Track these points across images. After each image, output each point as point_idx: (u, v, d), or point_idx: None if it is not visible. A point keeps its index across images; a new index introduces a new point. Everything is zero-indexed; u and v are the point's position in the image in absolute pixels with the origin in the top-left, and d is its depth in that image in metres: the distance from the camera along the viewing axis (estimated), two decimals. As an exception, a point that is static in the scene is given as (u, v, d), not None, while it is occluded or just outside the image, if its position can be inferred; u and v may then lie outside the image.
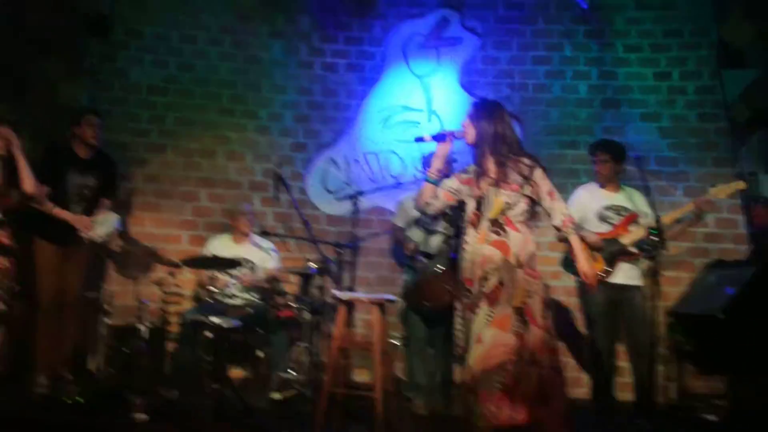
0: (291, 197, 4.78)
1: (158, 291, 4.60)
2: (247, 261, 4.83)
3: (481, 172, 3.19)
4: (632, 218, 4.27)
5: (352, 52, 5.68)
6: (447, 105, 5.57)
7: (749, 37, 5.13)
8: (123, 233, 5.01)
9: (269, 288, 4.64)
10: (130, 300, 4.79)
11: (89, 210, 4.47)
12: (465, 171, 3.28)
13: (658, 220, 3.84)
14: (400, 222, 4.68)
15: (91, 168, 4.47)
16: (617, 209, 4.31)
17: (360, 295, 4.72)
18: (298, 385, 4.26)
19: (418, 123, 5.57)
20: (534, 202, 3.21)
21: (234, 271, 4.62)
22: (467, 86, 5.58)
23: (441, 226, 4.46)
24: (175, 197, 5.39)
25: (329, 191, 5.46)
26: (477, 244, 3.14)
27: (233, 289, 4.67)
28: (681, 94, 5.41)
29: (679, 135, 5.35)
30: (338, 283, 4.82)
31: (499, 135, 3.16)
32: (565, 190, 5.09)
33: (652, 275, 3.79)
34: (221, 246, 4.85)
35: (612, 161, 4.29)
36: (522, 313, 3.02)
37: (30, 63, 5.14)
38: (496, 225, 3.13)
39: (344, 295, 4.37)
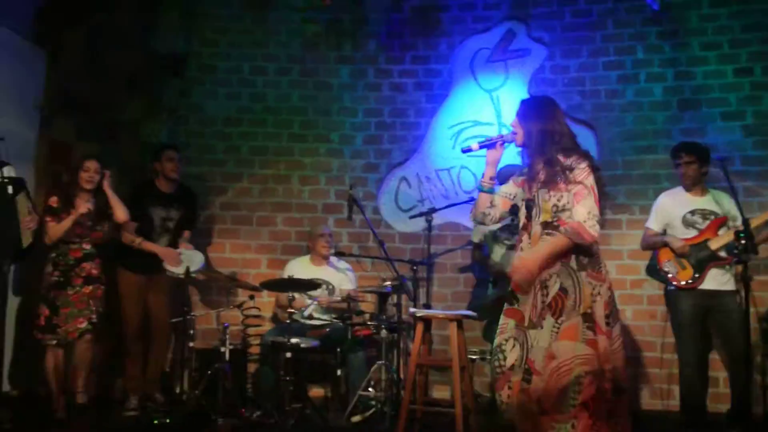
0: (365, 217, 4.82)
1: (239, 314, 4.72)
2: (326, 282, 4.90)
3: (531, 174, 2.98)
4: (720, 222, 4.09)
5: (419, 71, 5.72)
6: (517, 117, 5.49)
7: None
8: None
9: (347, 308, 4.68)
10: (212, 323, 4.96)
11: (173, 241, 4.67)
12: (521, 173, 3.09)
13: (746, 223, 3.64)
14: (475, 238, 4.64)
15: (174, 201, 4.69)
16: (703, 213, 4.13)
17: (437, 311, 4.70)
18: (377, 403, 4.25)
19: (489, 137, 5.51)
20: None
21: (313, 293, 4.69)
22: (537, 97, 5.50)
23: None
24: (253, 223, 5.54)
25: (402, 209, 5.48)
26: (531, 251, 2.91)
27: (312, 310, 4.74)
28: (766, 90, 5.14)
29: (765, 132, 5.07)
30: (415, 301, 4.82)
31: (548, 133, 2.91)
32: (645, 195, 4.99)
33: (744, 280, 3.58)
34: (300, 268, 4.94)
35: (697, 163, 4.13)
36: (591, 320, 2.77)
37: (116, 103, 5.46)
38: (550, 228, 2.87)
39: (421, 312, 4.35)
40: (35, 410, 4.19)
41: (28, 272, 4.42)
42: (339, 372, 4.53)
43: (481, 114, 5.56)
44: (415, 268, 4.85)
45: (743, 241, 3.56)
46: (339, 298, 4.80)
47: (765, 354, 4.40)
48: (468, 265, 5.33)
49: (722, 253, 4.05)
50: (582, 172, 2.83)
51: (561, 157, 2.87)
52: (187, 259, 4.52)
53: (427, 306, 4.87)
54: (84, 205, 4.16)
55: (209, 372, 4.19)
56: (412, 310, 4.49)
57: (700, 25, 5.33)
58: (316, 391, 4.93)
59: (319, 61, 5.75)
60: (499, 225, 4.41)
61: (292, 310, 4.24)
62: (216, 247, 5.48)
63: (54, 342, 3.99)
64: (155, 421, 4.03)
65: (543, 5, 5.59)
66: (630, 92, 5.38)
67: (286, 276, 4.78)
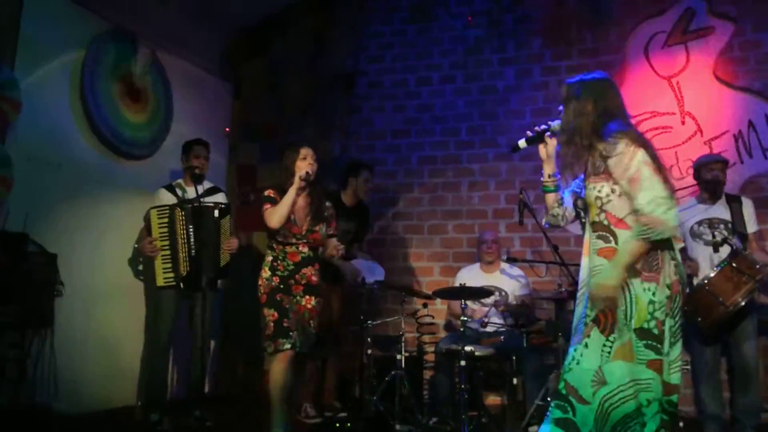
0: (536, 221, 4.66)
1: (414, 322, 4.78)
2: (498, 289, 4.81)
3: (564, 163, 2.58)
4: None
5: (588, 64, 5.41)
6: (702, 103, 5.03)
7: None
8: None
9: (521, 315, 4.55)
10: (389, 331, 5.06)
11: (350, 253, 4.83)
12: None
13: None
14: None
15: (354, 215, 4.88)
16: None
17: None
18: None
19: (671, 128, 5.10)
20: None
21: (486, 300, 4.63)
22: (725, 78, 4.99)
23: (721, 235, 4.02)
24: (424, 231, 5.60)
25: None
26: (584, 257, 2.54)
27: (488, 318, 4.66)
28: None
29: None
30: (593, 306, 4.56)
31: (588, 114, 2.50)
32: None
33: None
34: (471, 276, 4.89)
35: None
36: (649, 336, 2.33)
37: (293, 126, 5.84)
38: (601, 228, 2.47)
39: (598, 317, 4.11)
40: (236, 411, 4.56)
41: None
42: (515, 380, 4.41)
43: (659, 103, 5.15)
44: (592, 271, 4.60)
45: None
46: (514, 304, 4.68)
47: None
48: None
49: None
50: (623, 157, 2.37)
51: (599, 142, 2.46)
52: (367, 271, 4.67)
53: (607, 311, 4.58)
54: (302, 196, 3.77)
55: (386, 379, 4.28)
56: (589, 315, 4.26)
57: None
58: (493, 400, 4.84)
59: (482, 66, 5.70)
60: (699, 218, 4.04)
61: (466, 318, 4.21)
62: (390, 256, 5.61)
63: (288, 346, 3.54)
64: (337, 425, 4.20)
65: (726, -24, 5.08)
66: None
67: (457, 284, 4.76)
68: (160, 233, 4.24)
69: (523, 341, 4.40)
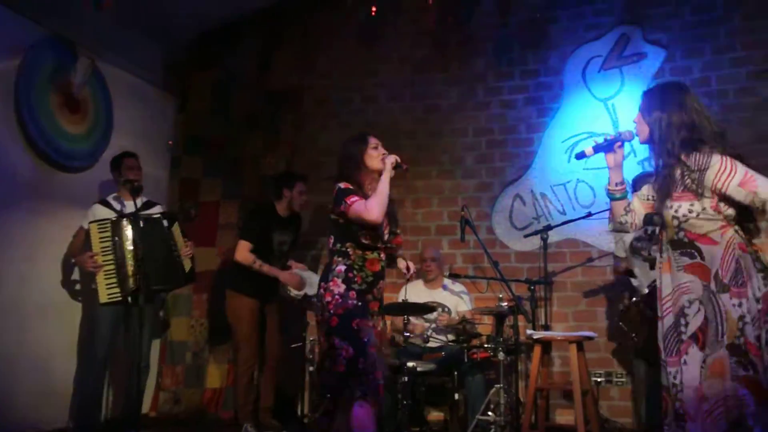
0: (477, 238, 4.74)
1: (356, 338, 4.77)
2: (441, 305, 4.85)
3: (658, 179, 2.58)
4: None
5: (529, 85, 5.59)
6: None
7: None
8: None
9: (463, 330, 4.60)
10: (332, 348, 5.03)
11: (284, 265, 4.79)
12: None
13: None
14: (620, 253, 4.41)
15: (289, 225, 4.84)
16: None
17: (555, 333, 4.53)
18: (496, 427, 4.12)
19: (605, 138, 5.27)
20: (727, 201, 2.45)
21: (429, 316, 4.66)
22: (657, 102, 5.20)
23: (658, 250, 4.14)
24: (369, 248, 5.60)
25: (517, 228, 5.32)
26: (664, 275, 2.55)
27: (429, 334, 4.69)
28: None
29: None
30: (533, 322, 4.66)
31: (675, 126, 2.50)
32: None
33: None
34: (415, 291, 4.92)
35: None
36: (740, 352, 2.34)
37: (238, 141, 5.81)
38: (681, 246, 2.50)
39: (538, 334, 4.21)
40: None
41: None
42: (457, 395, 4.44)
43: (596, 125, 5.32)
44: (532, 287, 4.71)
45: None
46: (456, 320, 4.74)
47: None
48: (591, 281, 5.08)
49: None
50: (725, 168, 2.40)
51: (685, 156, 2.47)
52: (308, 282, 4.65)
53: (547, 327, 4.69)
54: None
55: (328, 395, 4.25)
56: (529, 332, 4.36)
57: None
58: (435, 415, 4.87)
59: (427, 85, 5.78)
60: (633, 235, 4.18)
61: (408, 334, 4.23)
62: (334, 272, 5.59)
63: (358, 393, 2.84)
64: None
65: (659, 5, 5.30)
66: (763, 89, 4.94)
67: (401, 300, 4.79)
68: (102, 248, 4.12)
69: (465, 356, 4.46)
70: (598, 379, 4.41)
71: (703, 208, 2.48)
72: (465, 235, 4.63)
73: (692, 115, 2.52)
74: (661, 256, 2.60)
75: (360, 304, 2.91)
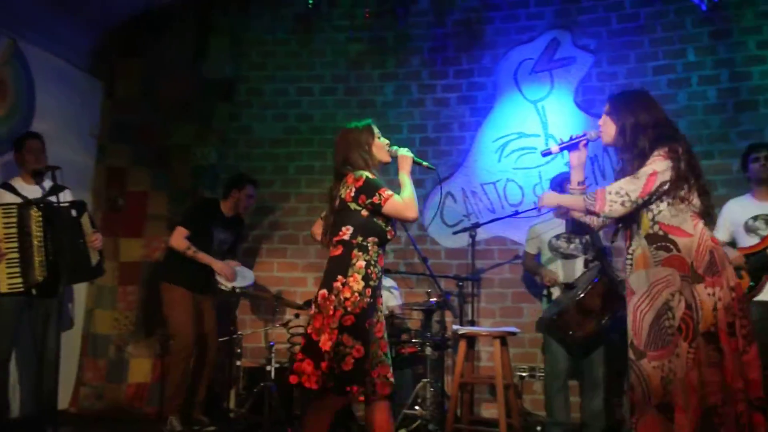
0: (408, 234, 4.79)
1: (286, 332, 4.76)
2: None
3: (624, 174, 2.68)
4: None
5: (462, 84, 5.68)
6: (564, 127, 5.38)
7: None
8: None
9: (392, 325, 4.64)
10: (261, 342, 5.01)
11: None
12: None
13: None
14: (531, 249, 4.55)
15: (231, 225, 4.79)
16: (766, 219, 3.93)
17: (479, 329, 4.63)
18: (423, 421, 4.19)
19: (535, 148, 5.42)
20: (677, 187, 2.59)
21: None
22: (584, 105, 5.38)
23: (577, 248, 4.29)
24: (300, 242, 5.59)
25: (448, 225, 5.40)
26: (638, 271, 2.63)
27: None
28: (827, 88, 4.87)
29: (828, 133, 4.79)
30: (461, 317, 4.75)
31: (640, 126, 2.66)
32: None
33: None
34: (345, 286, 4.93)
35: (764, 160, 3.95)
36: (715, 339, 2.44)
37: (168, 129, 5.66)
38: (657, 239, 2.60)
39: (463, 329, 4.30)
40: None
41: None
42: (384, 390, 4.48)
43: (526, 125, 5.46)
44: (460, 284, 4.81)
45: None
46: (385, 314, 4.77)
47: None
48: (518, 278, 5.22)
49: None
50: (652, 160, 2.60)
51: (651, 153, 2.63)
52: (240, 275, 4.60)
53: (473, 323, 4.79)
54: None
55: (255, 390, 4.23)
56: (455, 327, 4.45)
57: (755, 22, 5.10)
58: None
59: (363, 80, 5.79)
60: (556, 232, 4.34)
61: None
62: (264, 266, 5.55)
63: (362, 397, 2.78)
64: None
65: (588, 12, 5.47)
66: (682, 96, 5.17)
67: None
68: (6, 235, 3.87)
69: (393, 351, 4.50)
70: (522, 374, 4.54)
71: (674, 198, 2.60)
72: (396, 231, 4.66)
73: (657, 116, 2.71)
74: (629, 253, 2.69)
75: (372, 301, 2.83)
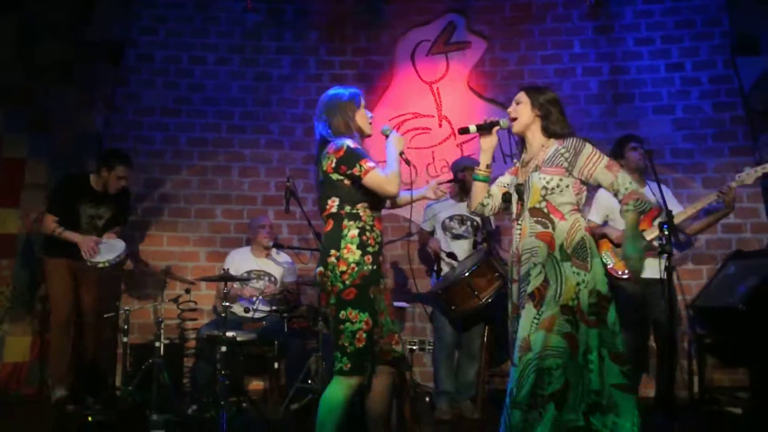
0: (302, 209, 4.79)
1: (175, 308, 4.66)
2: (268, 274, 4.86)
3: (527, 159, 2.92)
4: (656, 213, 4.19)
5: (360, 62, 5.72)
6: (457, 110, 5.56)
7: (762, 23, 5.03)
8: (135, 253, 5.10)
9: (285, 300, 4.67)
10: (149, 318, 4.87)
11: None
12: (516, 162, 3.02)
13: (669, 215, 3.75)
14: (427, 227, 4.68)
15: (106, 199, 4.57)
16: None
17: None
18: (315, 395, 4.26)
19: (429, 129, 5.57)
20: (584, 185, 2.85)
21: (256, 284, 4.66)
22: (477, 89, 5.57)
23: (467, 230, 4.47)
24: (192, 215, 5.46)
25: (342, 202, 5.44)
26: (519, 240, 2.85)
27: (256, 306, 4.68)
28: (695, 85, 5.32)
29: (694, 126, 5.25)
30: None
31: (545, 116, 2.88)
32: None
33: (668, 271, 3.69)
34: (241, 260, 4.88)
35: (643, 150, 4.24)
36: (571, 313, 2.68)
37: (48, 93, 5.30)
38: (539, 215, 2.81)
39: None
40: None
41: None
42: (276, 365, 4.52)
43: (421, 105, 5.59)
44: (353, 260, 4.87)
45: (666, 233, 3.67)
46: (279, 289, 4.78)
47: (691, 340, 4.56)
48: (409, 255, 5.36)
49: (656, 243, 4.16)
50: (590, 151, 2.79)
51: (558, 140, 2.84)
52: (107, 248, 4.40)
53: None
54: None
55: (143, 367, 4.12)
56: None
57: (634, 20, 5.48)
58: (256, 384, 4.92)
59: (259, 52, 5.69)
60: (450, 214, 4.49)
61: (227, 304, 4.21)
62: (153, 240, 5.38)
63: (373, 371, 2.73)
64: (90, 418, 3.95)
65: (483, -2, 5.66)
66: (567, 86, 5.48)
67: (226, 267, 4.74)
68: None
69: (285, 326, 4.53)
70: (413, 347, 4.70)
71: (567, 185, 2.81)
72: (290, 206, 4.65)
73: (556, 107, 2.92)
74: (518, 223, 2.88)
75: (375, 267, 2.70)
